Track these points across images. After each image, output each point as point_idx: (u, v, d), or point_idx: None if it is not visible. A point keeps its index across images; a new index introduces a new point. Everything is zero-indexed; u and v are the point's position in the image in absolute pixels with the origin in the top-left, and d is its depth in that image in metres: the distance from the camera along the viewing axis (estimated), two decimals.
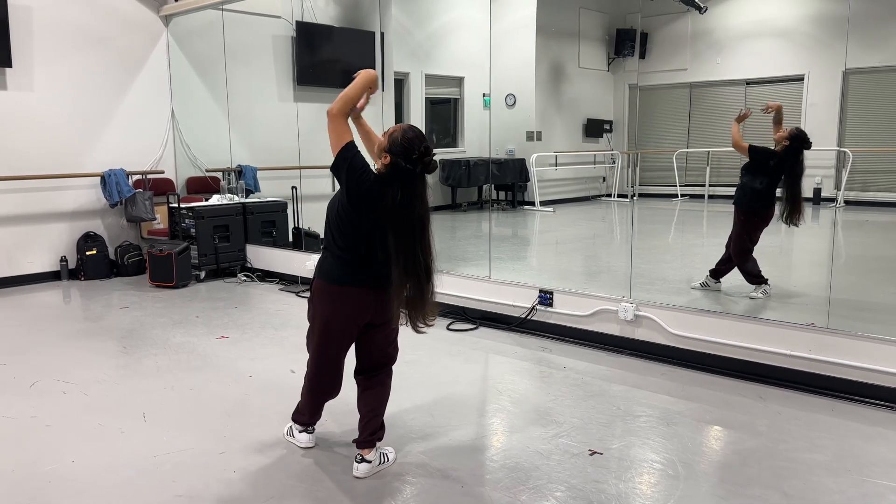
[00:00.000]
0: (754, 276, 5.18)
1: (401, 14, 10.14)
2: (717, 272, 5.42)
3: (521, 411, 3.56)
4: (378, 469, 2.90)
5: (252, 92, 8.17)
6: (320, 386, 3.01)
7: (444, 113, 11.61)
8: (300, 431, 3.15)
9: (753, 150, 5.17)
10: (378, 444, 2.94)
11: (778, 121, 5.21)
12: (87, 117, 7.03)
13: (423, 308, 2.70)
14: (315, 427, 3.18)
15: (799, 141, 5.04)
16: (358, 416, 2.96)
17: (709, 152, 10.02)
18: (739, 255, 5.19)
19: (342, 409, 3.48)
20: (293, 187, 7.48)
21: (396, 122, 10.11)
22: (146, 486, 2.80)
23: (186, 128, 7.70)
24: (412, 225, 2.64)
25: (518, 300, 5.01)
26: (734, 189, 5.34)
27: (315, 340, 2.90)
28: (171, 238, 7.03)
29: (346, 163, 2.63)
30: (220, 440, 3.22)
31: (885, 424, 3.39)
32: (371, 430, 2.91)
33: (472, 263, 6.53)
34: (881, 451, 3.08)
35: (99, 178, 7.08)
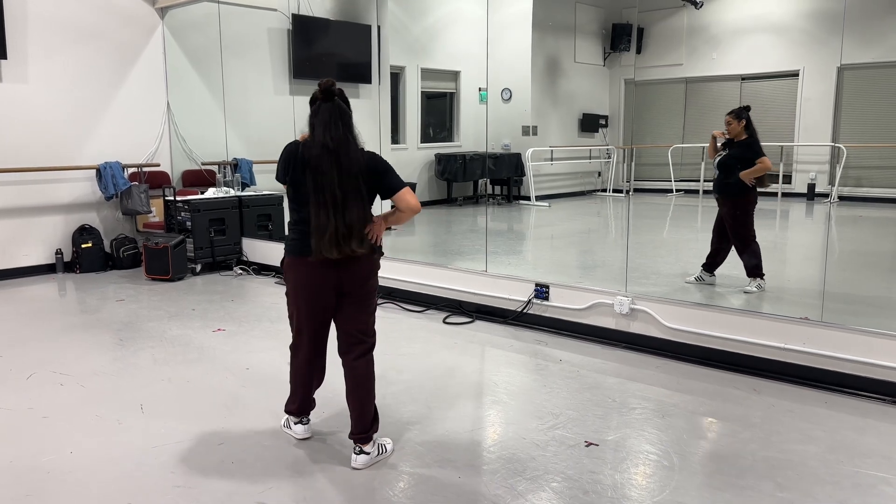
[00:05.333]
0: (754, 268, 5.19)
1: (397, 8, 10.13)
2: (711, 265, 5.45)
3: (518, 403, 3.58)
4: (376, 460, 2.92)
5: (248, 85, 8.15)
6: (303, 365, 3.04)
7: (440, 107, 11.61)
8: (295, 423, 3.17)
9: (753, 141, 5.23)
10: (375, 435, 2.96)
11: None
12: (82, 110, 7.01)
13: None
14: (310, 418, 3.19)
15: (747, 114, 5.19)
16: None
17: (704, 147, 10.04)
18: (748, 243, 5.20)
19: (339, 401, 3.49)
20: None
21: (392, 118, 10.18)
22: (144, 477, 2.81)
23: (182, 121, 7.68)
24: (328, 151, 2.71)
25: (514, 294, 5.03)
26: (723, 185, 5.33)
27: (292, 317, 2.99)
28: (167, 231, 7.02)
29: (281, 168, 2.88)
30: (217, 431, 3.23)
31: (877, 416, 3.42)
32: (364, 423, 2.92)
33: (468, 257, 6.55)
34: (873, 443, 3.12)
35: (94, 170, 7.06)
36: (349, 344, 2.96)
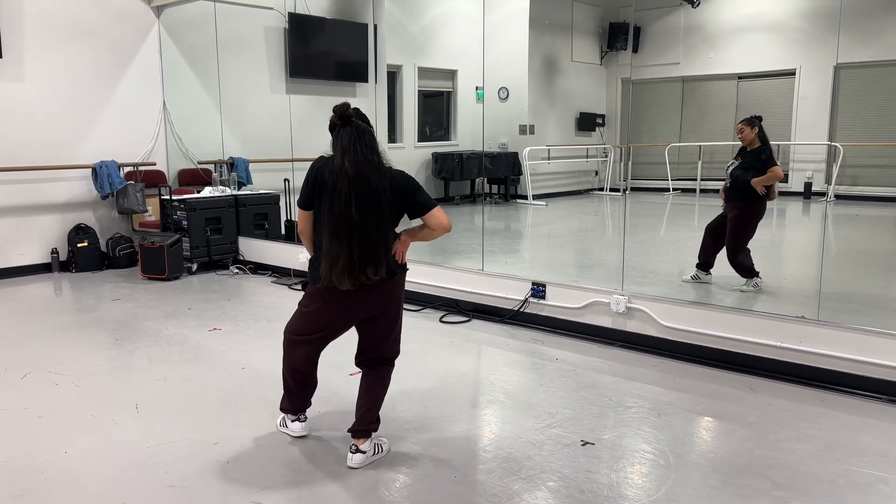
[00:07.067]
0: (747, 270, 5.20)
1: (394, 6, 10.12)
2: (706, 264, 5.45)
3: (514, 402, 3.58)
4: (372, 459, 2.91)
5: (244, 84, 8.13)
6: (301, 368, 3.02)
7: (437, 106, 11.60)
8: (292, 421, 3.16)
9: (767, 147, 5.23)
10: (373, 434, 2.95)
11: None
12: (78, 109, 6.99)
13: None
14: (307, 416, 3.19)
15: (759, 122, 5.20)
16: (354, 406, 2.97)
17: (700, 146, 10.06)
18: (739, 250, 5.20)
19: (336, 401, 3.49)
20: (286, 179, 7.46)
21: (389, 116, 10.17)
22: (139, 477, 2.80)
23: (178, 120, 7.66)
24: (346, 178, 2.65)
25: (511, 293, 5.02)
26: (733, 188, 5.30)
27: (301, 321, 2.94)
28: (163, 230, 7.00)
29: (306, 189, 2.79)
30: (213, 431, 3.22)
31: (872, 415, 3.42)
32: (367, 421, 2.92)
33: (465, 256, 6.54)
34: (869, 441, 3.12)
35: (90, 169, 7.04)
36: (370, 358, 2.96)
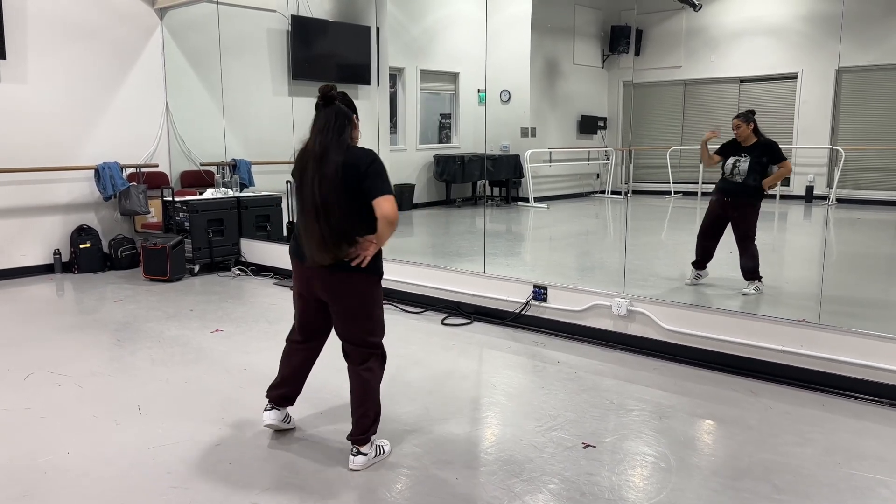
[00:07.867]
0: (752, 270, 5.20)
1: (396, 9, 10.14)
2: (702, 263, 5.49)
3: (515, 405, 3.58)
4: (373, 462, 2.91)
5: (247, 86, 8.16)
6: (288, 356, 3.15)
7: (439, 108, 11.61)
8: (265, 409, 3.17)
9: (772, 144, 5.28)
10: (373, 437, 2.95)
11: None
12: (81, 110, 7.01)
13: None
14: (280, 409, 3.17)
15: (753, 117, 5.27)
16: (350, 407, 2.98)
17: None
18: (751, 244, 5.23)
19: (336, 403, 3.50)
20: (288, 181, 7.47)
21: (391, 117, 10.19)
22: (141, 478, 2.80)
23: (181, 121, 7.67)
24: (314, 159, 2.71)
25: (512, 295, 5.03)
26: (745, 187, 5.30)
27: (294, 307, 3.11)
28: (166, 232, 7.01)
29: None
30: (214, 432, 3.23)
31: (874, 419, 3.42)
32: (364, 426, 2.91)
33: (467, 259, 6.55)
34: (870, 445, 3.12)
35: (93, 171, 7.06)
36: (345, 351, 2.98)
